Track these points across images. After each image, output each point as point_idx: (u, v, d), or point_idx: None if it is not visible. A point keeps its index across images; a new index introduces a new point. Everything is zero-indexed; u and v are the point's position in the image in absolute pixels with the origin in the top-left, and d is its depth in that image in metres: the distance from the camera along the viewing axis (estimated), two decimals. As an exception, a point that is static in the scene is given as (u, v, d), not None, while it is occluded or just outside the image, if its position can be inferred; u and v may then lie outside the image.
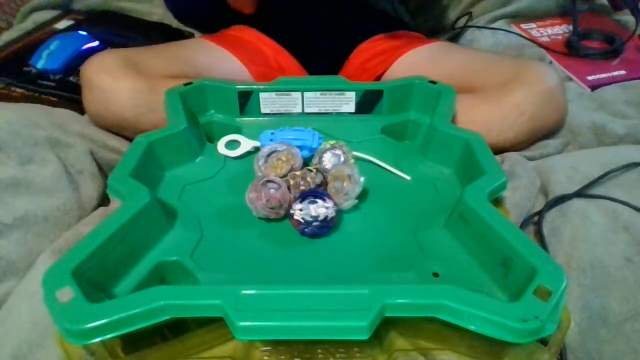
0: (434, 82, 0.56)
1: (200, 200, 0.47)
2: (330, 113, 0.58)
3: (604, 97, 0.67)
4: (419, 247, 0.41)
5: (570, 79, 0.73)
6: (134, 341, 0.34)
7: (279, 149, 0.48)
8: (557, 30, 0.86)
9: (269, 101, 0.57)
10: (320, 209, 0.42)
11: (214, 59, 0.69)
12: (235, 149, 0.53)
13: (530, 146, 0.61)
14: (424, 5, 0.98)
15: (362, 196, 0.46)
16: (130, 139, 0.59)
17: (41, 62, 0.71)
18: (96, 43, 0.77)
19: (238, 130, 0.56)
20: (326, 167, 0.48)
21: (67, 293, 0.32)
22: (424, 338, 0.36)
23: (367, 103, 0.57)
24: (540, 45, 0.81)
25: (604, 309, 0.41)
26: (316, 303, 0.31)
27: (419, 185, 0.49)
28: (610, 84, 0.70)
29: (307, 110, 0.58)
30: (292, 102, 0.57)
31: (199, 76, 0.59)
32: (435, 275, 0.39)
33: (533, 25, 0.87)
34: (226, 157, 0.53)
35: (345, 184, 0.44)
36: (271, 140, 0.51)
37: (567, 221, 0.48)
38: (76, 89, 0.65)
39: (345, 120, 0.58)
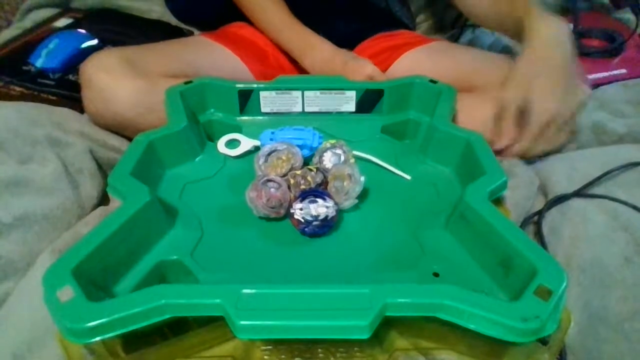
0: (434, 82, 0.56)
1: (201, 199, 0.47)
2: (331, 112, 0.58)
3: (604, 96, 0.67)
4: (419, 246, 0.41)
5: (571, 78, 0.73)
6: (134, 340, 0.34)
7: (279, 148, 0.48)
8: (558, 29, 0.85)
9: (269, 100, 0.57)
10: (321, 208, 0.42)
11: (214, 57, 0.68)
12: (235, 148, 0.53)
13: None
14: (424, 5, 0.97)
15: (363, 196, 0.46)
16: (130, 138, 0.59)
17: (40, 60, 0.71)
18: (95, 41, 0.77)
19: (238, 129, 0.56)
20: (326, 166, 0.48)
21: (67, 292, 0.32)
22: (424, 337, 0.36)
23: (368, 102, 0.57)
24: (541, 44, 0.81)
25: (603, 308, 0.41)
26: (317, 302, 0.31)
27: (419, 185, 0.49)
28: (611, 82, 0.70)
29: (307, 109, 0.58)
30: (292, 101, 0.57)
31: (198, 75, 0.59)
32: (436, 275, 0.39)
33: (533, 24, 0.87)
34: (226, 156, 0.53)
35: (345, 184, 0.44)
36: (271, 139, 0.51)
37: (567, 221, 0.48)
38: (75, 87, 0.65)
39: (346, 120, 0.58)
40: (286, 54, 0.72)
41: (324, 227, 0.42)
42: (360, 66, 0.62)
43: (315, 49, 0.67)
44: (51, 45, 0.73)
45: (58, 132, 0.57)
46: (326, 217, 0.42)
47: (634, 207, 0.47)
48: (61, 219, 0.52)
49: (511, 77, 0.55)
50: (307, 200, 0.42)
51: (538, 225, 0.49)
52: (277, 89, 0.56)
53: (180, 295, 0.32)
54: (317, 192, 0.43)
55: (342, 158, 0.48)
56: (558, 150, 0.60)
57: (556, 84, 0.52)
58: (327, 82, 0.57)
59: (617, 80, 0.71)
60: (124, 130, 0.61)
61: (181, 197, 0.47)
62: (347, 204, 0.45)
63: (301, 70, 0.70)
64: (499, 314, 0.30)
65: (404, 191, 0.48)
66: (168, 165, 0.50)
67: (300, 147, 0.49)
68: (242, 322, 0.30)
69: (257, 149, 0.52)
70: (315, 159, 0.49)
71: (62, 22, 0.86)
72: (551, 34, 0.53)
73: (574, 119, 0.56)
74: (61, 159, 0.55)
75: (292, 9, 0.71)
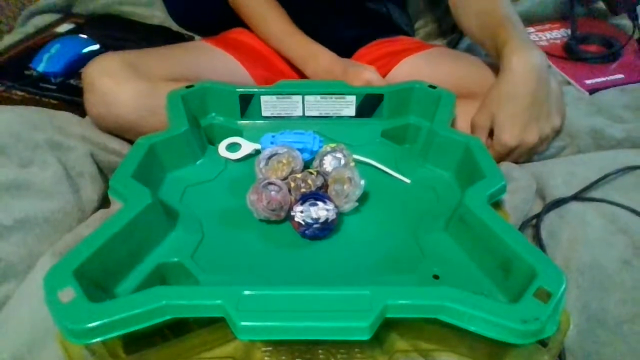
0: (433, 87, 0.57)
1: (202, 202, 0.47)
2: (331, 116, 0.58)
3: (602, 101, 0.68)
4: (419, 249, 0.42)
5: (569, 83, 0.74)
6: (135, 341, 0.34)
7: (280, 151, 0.48)
8: (556, 35, 0.86)
9: (269, 104, 0.57)
10: (321, 211, 0.42)
11: (215, 61, 0.69)
12: (236, 151, 0.53)
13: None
14: (423, 10, 0.98)
15: (363, 199, 0.46)
16: (131, 142, 0.59)
17: (42, 65, 0.72)
18: (97, 46, 0.77)
19: (239, 133, 0.56)
20: (327, 169, 0.48)
21: (68, 293, 0.32)
22: (425, 339, 0.36)
23: (368, 107, 0.58)
24: (539, 49, 0.82)
25: (602, 310, 0.41)
26: (318, 304, 0.31)
27: (419, 189, 0.49)
28: (608, 87, 0.71)
29: (307, 113, 0.58)
30: (292, 106, 0.57)
31: (200, 79, 0.59)
32: (436, 277, 0.39)
33: (531, 29, 0.88)
34: (227, 159, 0.53)
35: (345, 187, 0.45)
36: (272, 143, 0.52)
37: (566, 224, 0.48)
38: (77, 91, 0.65)
39: (346, 124, 0.58)
40: (286, 59, 0.73)
41: (325, 229, 0.42)
42: (359, 72, 0.63)
43: (317, 58, 0.67)
44: (53, 50, 0.73)
45: (59, 136, 0.57)
46: (326, 219, 0.42)
47: (633, 211, 0.47)
48: (62, 222, 0.52)
49: (482, 102, 0.57)
50: (307, 203, 0.42)
51: (536, 228, 0.49)
52: (278, 94, 0.57)
53: (181, 296, 0.32)
54: (318, 195, 0.43)
55: (343, 162, 0.49)
56: (552, 156, 0.60)
57: (519, 116, 0.54)
58: (328, 87, 0.57)
59: (614, 86, 0.71)
60: (125, 134, 0.61)
61: (182, 200, 0.47)
62: (347, 207, 0.45)
63: (301, 74, 0.71)
64: (498, 315, 0.30)
65: (404, 194, 0.49)
66: (169, 168, 0.51)
67: (301, 150, 0.50)
68: (243, 323, 0.30)
69: (257, 152, 0.53)
70: (316, 163, 0.49)
71: (63, 28, 0.86)
72: (525, 68, 0.54)
73: (544, 144, 0.58)
74: (62, 162, 0.55)
75: (291, 15, 0.71)
